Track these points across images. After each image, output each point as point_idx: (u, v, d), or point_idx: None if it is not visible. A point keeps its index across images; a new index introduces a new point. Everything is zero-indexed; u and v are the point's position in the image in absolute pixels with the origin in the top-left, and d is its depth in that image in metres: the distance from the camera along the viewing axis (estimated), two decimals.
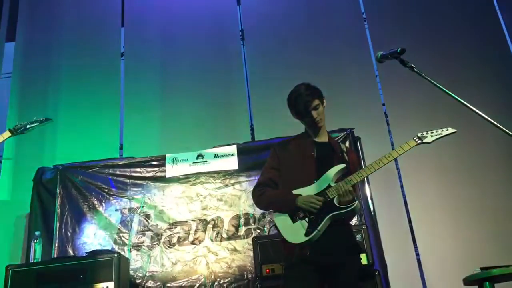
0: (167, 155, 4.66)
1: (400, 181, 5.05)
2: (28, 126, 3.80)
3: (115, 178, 4.64)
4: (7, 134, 3.71)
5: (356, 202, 2.53)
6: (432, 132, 2.73)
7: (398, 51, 2.45)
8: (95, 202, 4.54)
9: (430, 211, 4.81)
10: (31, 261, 4.00)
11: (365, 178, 4.16)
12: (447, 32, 5.62)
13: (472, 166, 4.92)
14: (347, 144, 4.32)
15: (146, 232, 4.40)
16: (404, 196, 4.98)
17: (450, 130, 2.74)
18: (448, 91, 2.29)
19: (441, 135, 2.74)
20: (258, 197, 2.76)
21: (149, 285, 4.17)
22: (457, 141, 4.69)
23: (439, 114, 4.88)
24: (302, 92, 2.71)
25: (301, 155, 2.73)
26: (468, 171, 4.91)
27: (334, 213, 2.51)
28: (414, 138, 2.71)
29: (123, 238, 4.39)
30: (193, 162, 4.62)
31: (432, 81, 2.33)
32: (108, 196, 4.57)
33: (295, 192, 2.60)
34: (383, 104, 5.47)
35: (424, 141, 2.71)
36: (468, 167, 4.92)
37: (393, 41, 5.13)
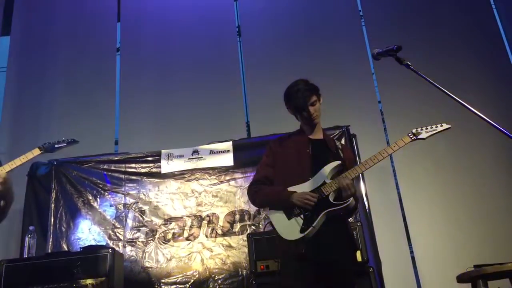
0: (163, 151, 4.65)
1: (395, 179, 5.07)
2: (56, 146, 3.94)
3: (110, 173, 4.62)
4: (36, 151, 3.83)
5: (351, 199, 2.53)
6: (426, 128, 2.73)
7: (394, 48, 2.43)
8: (90, 198, 4.52)
9: (425, 209, 4.82)
10: (25, 256, 3.98)
11: (360, 176, 4.17)
12: (444, 30, 5.62)
13: (467, 164, 4.93)
14: (343, 141, 4.32)
15: (141, 228, 4.39)
16: (399, 193, 4.99)
17: (445, 125, 2.75)
18: (444, 89, 2.29)
19: (435, 131, 2.74)
20: (254, 194, 2.76)
21: (144, 281, 4.15)
22: (452, 139, 4.73)
23: (435, 112, 4.87)
24: (301, 87, 2.72)
25: (296, 152, 2.73)
26: (463, 169, 4.92)
27: (329, 209, 2.51)
28: (409, 134, 2.72)
29: (117, 234, 4.38)
30: (189, 158, 4.61)
31: (428, 79, 2.32)
32: (103, 192, 4.54)
33: (290, 189, 2.60)
34: (379, 102, 5.48)
35: (418, 137, 2.71)
36: (463, 165, 4.94)
37: (390, 38, 5.13)
